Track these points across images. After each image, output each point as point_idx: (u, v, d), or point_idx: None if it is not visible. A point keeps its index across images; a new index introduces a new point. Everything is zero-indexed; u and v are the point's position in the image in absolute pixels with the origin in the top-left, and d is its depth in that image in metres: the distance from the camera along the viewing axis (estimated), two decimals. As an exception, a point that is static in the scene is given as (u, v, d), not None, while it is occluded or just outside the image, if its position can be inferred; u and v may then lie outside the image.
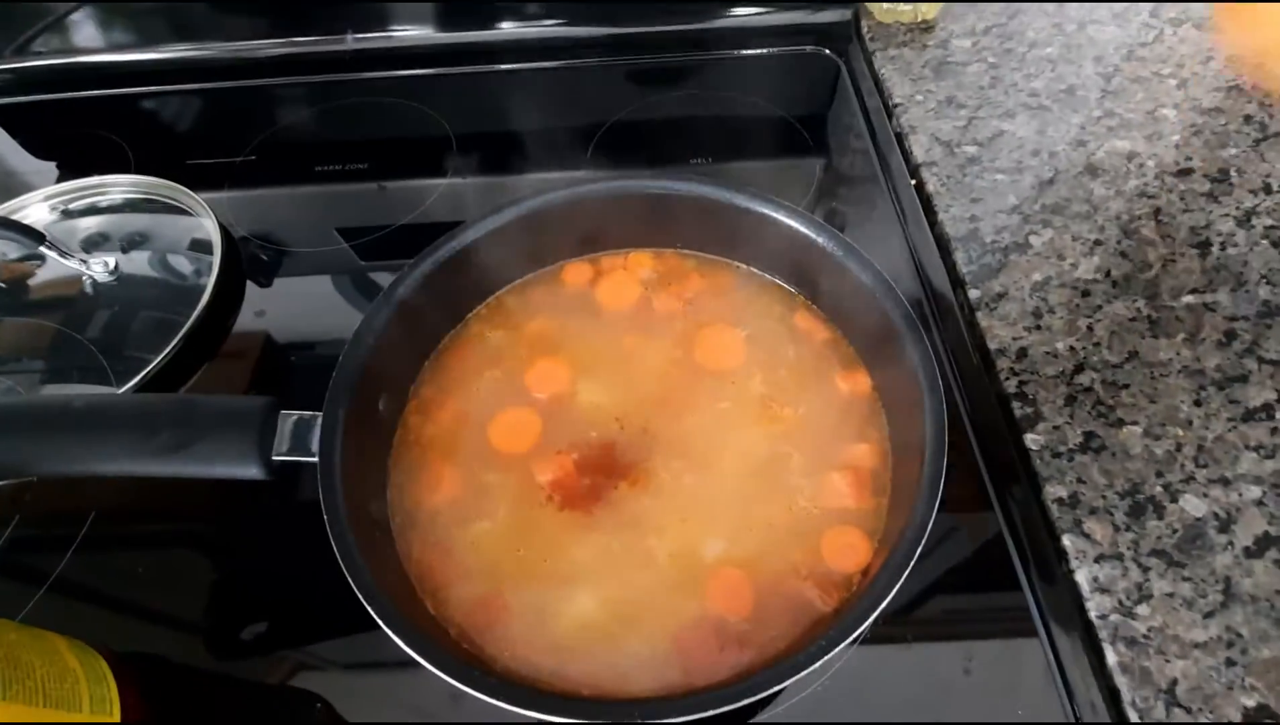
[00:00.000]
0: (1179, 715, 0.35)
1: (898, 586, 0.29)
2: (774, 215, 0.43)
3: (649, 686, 0.32)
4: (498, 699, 0.28)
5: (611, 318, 0.47)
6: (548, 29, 0.74)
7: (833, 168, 0.64)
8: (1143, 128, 0.59)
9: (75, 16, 0.73)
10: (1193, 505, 0.41)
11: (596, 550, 0.38)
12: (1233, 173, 0.55)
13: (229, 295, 0.57)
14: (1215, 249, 0.51)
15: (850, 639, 0.28)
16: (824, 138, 0.67)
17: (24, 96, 0.76)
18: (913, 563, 0.31)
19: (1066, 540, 0.40)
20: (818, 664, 0.28)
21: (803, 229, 0.43)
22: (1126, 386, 0.45)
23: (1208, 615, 0.37)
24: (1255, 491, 0.41)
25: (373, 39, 0.74)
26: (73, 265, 0.57)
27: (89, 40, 0.74)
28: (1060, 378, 0.46)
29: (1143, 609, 0.38)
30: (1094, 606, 0.38)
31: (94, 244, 0.61)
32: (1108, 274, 0.50)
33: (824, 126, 0.68)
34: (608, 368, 0.45)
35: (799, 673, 0.28)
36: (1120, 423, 0.44)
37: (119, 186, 0.64)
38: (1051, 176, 0.56)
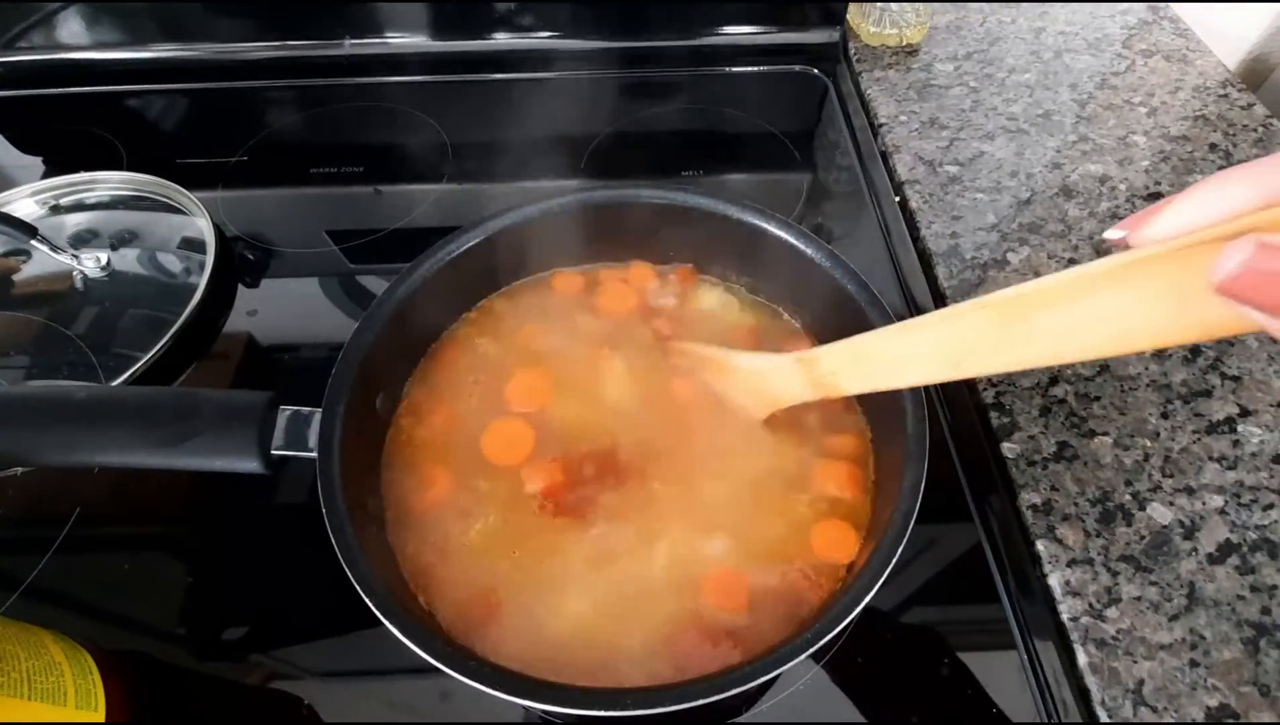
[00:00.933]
0: (1146, 714, 0.36)
1: (883, 577, 0.30)
2: (767, 227, 0.45)
3: (641, 684, 0.33)
4: (494, 688, 0.28)
5: (601, 326, 0.48)
6: (543, 40, 0.76)
7: (819, 183, 0.66)
8: (1115, 152, 0.62)
9: (69, 12, 0.73)
10: (1160, 513, 0.43)
11: (588, 551, 0.39)
12: (1199, 198, 0.58)
13: (221, 294, 0.57)
14: (1182, 270, 0.53)
15: (836, 630, 0.29)
16: (811, 154, 0.69)
17: (12, 91, 0.76)
18: (898, 553, 0.32)
19: (1040, 545, 0.42)
20: (803, 656, 0.29)
21: (794, 241, 0.44)
22: (1098, 399, 0.47)
23: (1173, 618, 0.39)
24: (1218, 500, 0.43)
25: (369, 44, 0.75)
26: (64, 260, 0.57)
27: (84, 37, 0.74)
28: (1035, 390, 0.48)
29: (1112, 612, 0.39)
30: (1066, 609, 0.40)
31: (82, 240, 0.61)
32: (1081, 291, 0.52)
33: (811, 143, 0.70)
34: (597, 375, 0.45)
35: (785, 664, 0.29)
36: (1092, 433, 0.46)
37: (109, 183, 0.64)
38: (1028, 197, 0.59)
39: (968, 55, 0.72)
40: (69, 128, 0.72)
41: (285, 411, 0.37)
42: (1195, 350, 0.49)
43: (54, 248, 0.56)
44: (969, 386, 0.49)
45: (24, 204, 0.63)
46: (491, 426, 0.43)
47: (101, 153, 0.69)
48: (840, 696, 0.39)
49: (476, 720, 0.39)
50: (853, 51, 0.73)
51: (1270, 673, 0.37)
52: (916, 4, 0.71)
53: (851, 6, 0.74)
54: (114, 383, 0.50)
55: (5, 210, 0.61)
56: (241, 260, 0.60)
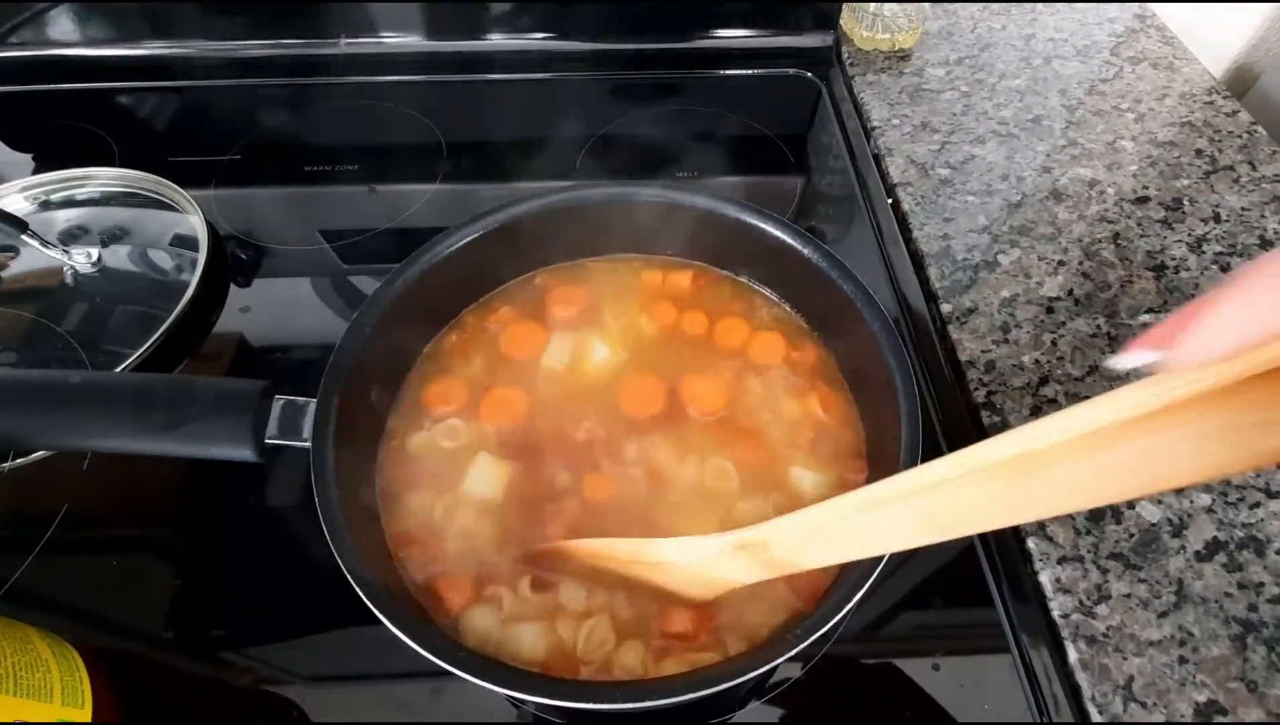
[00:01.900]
0: (1136, 710, 0.37)
1: (874, 576, 0.30)
2: (764, 227, 0.45)
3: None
4: (489, 681, 0.28)
5: (599, 323, 0.48)
6: (538, 42, 0.76)
7: (813, 185, 0.66)
8: (1103, 157, 0.63)
9: (62, 8, 0.72)
10: (1148, 511, 0.43)
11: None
12: (1185, 202, 0.59)
13: (213, 292, 0.57)
14: (1169, 272, 0.54)
15: (827, 627, 0.29)
16: (805, 156, 0.69)
17: (3, 87, 0.75)
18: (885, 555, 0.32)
19: (1031, 543, 0.42)
20: (797, 649, 0.29)
21: (792, 242, 0.44)
22: (1088, 398, 0.47)
23: (1162, 615, 0.39)
24: (1205, 499, 0.43)
25: (365, 43, 0.75)
26: (55, 256, 0.56)
27: (77, 33, 0.74)
28: (1026, 389, 0.48)
29: (1102, 609, 0.40)
30: (1056, 606, 0.40)
31: (73, 236, 0.60)
32: (1070, 292, 0.53)
33: (804, 145, 0.70)
34: (591, 373, 0.45)
35: (777, 659, 0.29)
36: (1082, 432, 0.46)
37: (101, 179, 0.63)
38: (1019, 200, 0.59)
39: (959, 60, 0.72)
40: (61, 124, 0.72)
41: (280, 400, 0.36)
42: (1183, 351, 0.50)
43: (44, 243, 0.56)
44: (960, 385, 0.50)
45: (13, 199, 0.62)
46: (486, 417, 0.43)
47: (93, 150, 0.68)
48: (828, 702, 0.39)
49: (469, 716, 0.39)
50: (846, 55, 0.74)
51: (1258, 669, 0.37)
52: (909, 9, 0.72)
53: (844, 11, 0.74)
54: (103, 379, 0.50)
55: (-5, 205, 0.60)
56: (234, 259, 0.60)
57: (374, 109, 0.73)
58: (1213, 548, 0.42)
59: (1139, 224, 0.57)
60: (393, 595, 0.31)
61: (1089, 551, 0.42)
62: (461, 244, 0.45)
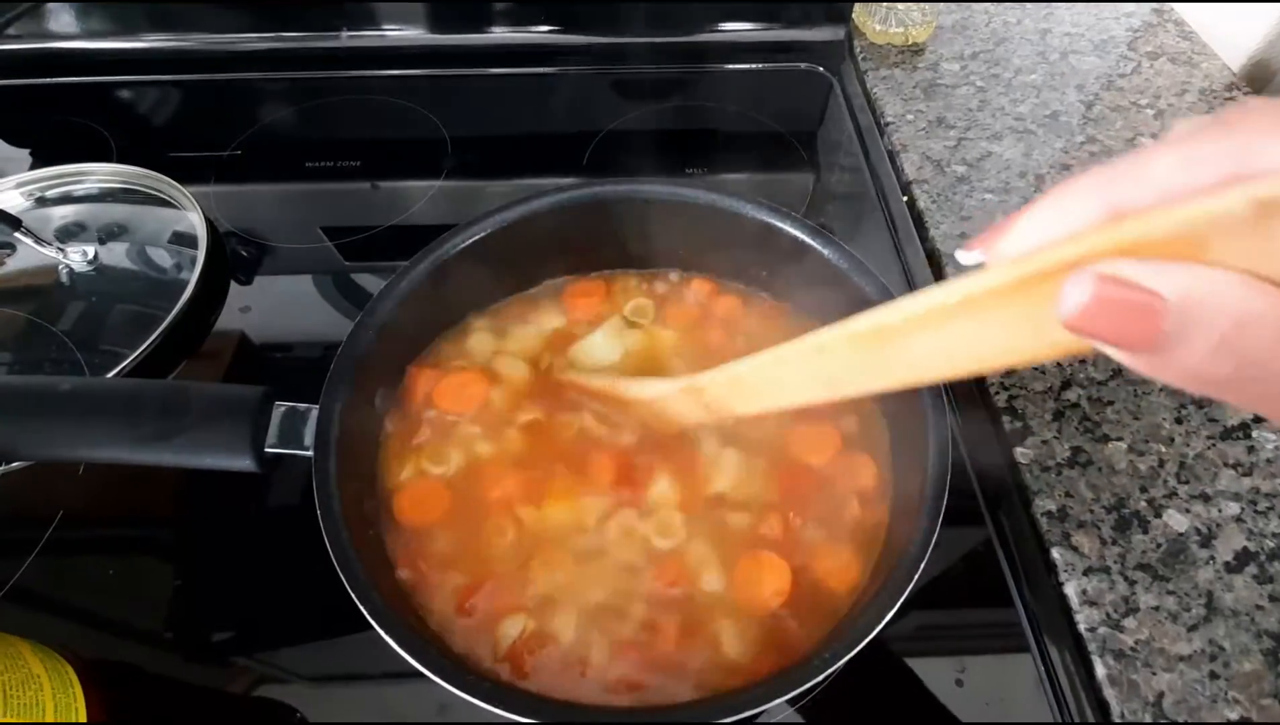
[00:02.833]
0: (1165, 727, 0.36)
1: (908, 591, 0.29)
2: (782, 226, 0.43)
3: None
4: (494, 705, 0.27)
5: (608, 333, 0.46)
6: (545, 35, 0.74)
7: (825, 182, 0.65)
8: (1122, 153, 0.61)
9: (59, 3, 0.71)
10: (1176, 520, 0.42)
11: (587, 568, 0.37)
12: (1208, 200, 0.57)
13: (212, 291, 0.56)
14: (1193, 273, 0.53)
15: (857, 649, 0.28)
16: (816, 153, 0.68)
17: (-1, 81, 0.74)
18: (918, 573, 0.31)
19: (1056, 553, 0.41)
20: (842, 662, 0.28)
21: (812, 242, 0.43)
22: (1111, 403, 0.46)
23: (1192, 629, 0.38)
24: (1234, 507, 0.42)
25: (367, 36, 0.73)
26: (50, 254, 0.55)
27: (74, 26, 0.73)
28: (1048, 394, 0.47)
29: (1130, 622, 0.38)
30: (1083, 619, 0.39)
31: (69, 233, 0.59)
32: (1092, 294, 0.52)
33: (816, 142, 0.69)
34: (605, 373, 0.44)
35: (789, 693, 0.28)
36: (1106, 438, 0.45)
37: (98, 175, 0.62)
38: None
39: (974, 55, 0.71)
40: (58, 119, 0.71)
41: (280, 407, 0.35)
42: (1208, 354, 0.48)
43: (39, 240, 0.54)
44: (981, 390, 0.48)
45: (9, 196, 0.61)
46: (490, 418, 0.42)
47: (90, 145, 0.67)
48: (851, 704, 0.38)
49: (474, 719, 0.37)
50: (858, 50, 0.72)
51: (1292, 685, 0.36)
52: (922, 3, 0.70)
53: (857, 5, 0.73)
54: (100, 381, 0.49)
55: (-11, 202, 0.59)
56: (234, 256, 0.59)
57: (376, 104, 0.71)
58: (1243, 558, 0.40)
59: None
60: (398, 612, 0.30)
61: (1115, 562, 0.40)
62: (468, 243, 0.43)
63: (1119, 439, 0.45)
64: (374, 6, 0.72)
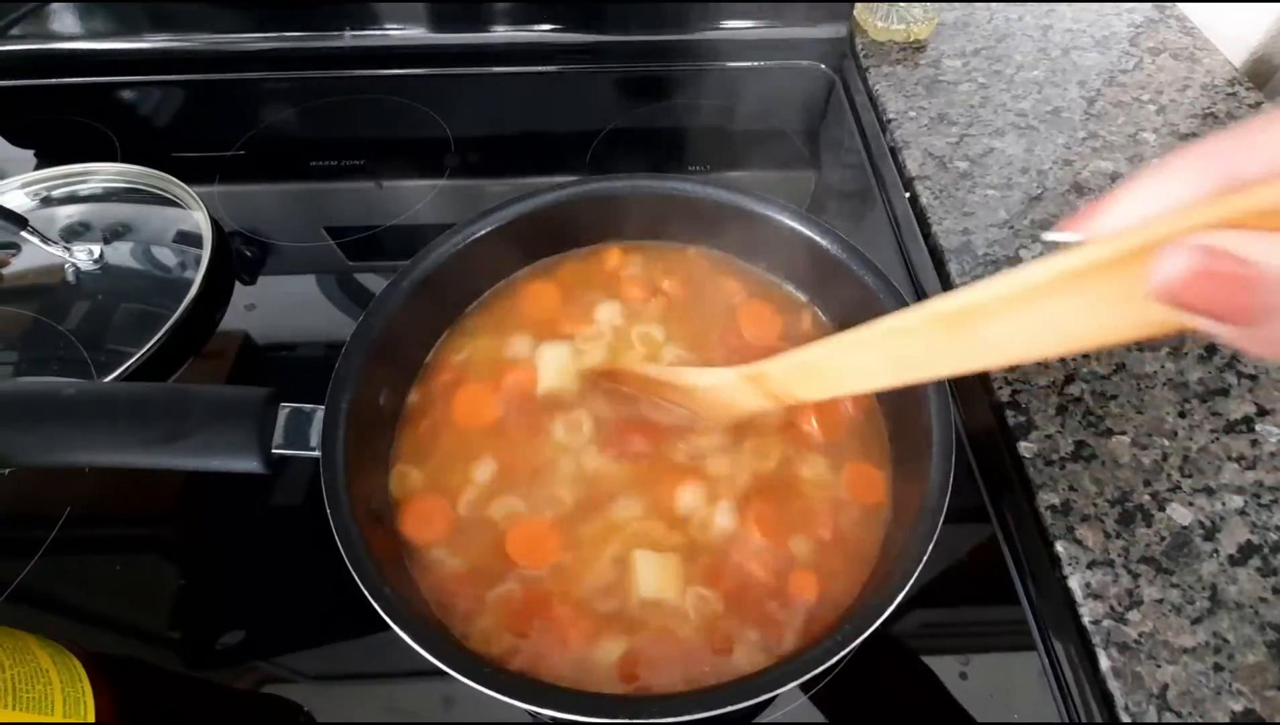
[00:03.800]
0: (1170, 720, 0.36)
1: (915, 574, 0.29)
2: (786, 221, 0.44)
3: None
4: (514, 698, 0.27)
5: (621, 317, 0.46)
6: (547, 34, 0.74)
7: (828, 179, 0.65)
8: (1125, 149, 0.61)
9: (63, 4, 0.71)
10: (1179, 514, 0.42)
11: (597, 560, 0.38)
12: (1211, 195, 0.57)
13: (217, 289, 0.56)
14: (1196, 267, 0.53)
15: (868, 632, 0.28)
16: (819, 150, 0.68)
17: (4, 81, 0.74)
18: (925, 557, 0.31)
19: (1059, 547, 0.41)
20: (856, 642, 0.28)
21: (817, 237, 0.43)
22: (1115, 397, 0.46)
23: (1196, 621, 0.38)
24: (1238, 501, 0.42)
25: (370, 36, 0.73)
26: (55, 252, 0.55)
27: (78, 27, 0.73)
28: (1052, 388, 0.47)
29: (1134, 615, 0.39)
30: (1087, 612, 0.39)
31: (74, 233, 0.59)
32: (1095, 289, 0.52)
33: (819, 139, 0.69)
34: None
35: (827, 660, 0.28)
36: (1109, 432, 0.45)
37: (103, 175, 0.62)
38: (1040, 193, 0.58)
39: (976, 51, 0.71)
40: (62, 119, 0.71)
41: (285, 408, 0.35)
42: (1211, 348, 0.48)
43: (45, 239, 0.55)
44: (984, 386, 0.48)
45: (14, 196, 0.61)
46: (496, 415, 0.42)
47: (95, 145, 0.67)
48: (858, 698, 0.38)
49: (481, 718, 0.38)
50: (860, 47, 0.72)
51: (1296, 677, 0.36)
52: (924, 1, 0.70)
53: (859, 3, 0.73)
54: (106, 379, 0.49)
55: (-5, 201, 0.59)
56: (239, 256, 0.59)
57: (380, 103, 0.71)
58: (1247, 551, 0.40)
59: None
60: (411, 607, 0.30)
61: (1119, 555, 0.40)
62: (469, 241, 0.44)
63: (1122, 433, 0.45)
64: (377, 6, 0.72)
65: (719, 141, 0.68)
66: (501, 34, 0.74)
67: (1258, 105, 0.64)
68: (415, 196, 0.63)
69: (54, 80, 0.74)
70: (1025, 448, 0.44)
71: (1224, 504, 0.42)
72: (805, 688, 0.38)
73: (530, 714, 0.38)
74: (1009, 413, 0.46)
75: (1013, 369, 0.48)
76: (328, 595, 0.41)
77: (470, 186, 0.65)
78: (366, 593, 0.30)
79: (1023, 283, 0.20)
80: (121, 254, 0.58)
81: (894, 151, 0.63)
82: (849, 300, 0.43)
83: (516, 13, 0.73)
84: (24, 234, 0.53)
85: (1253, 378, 0.47)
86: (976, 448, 0.47)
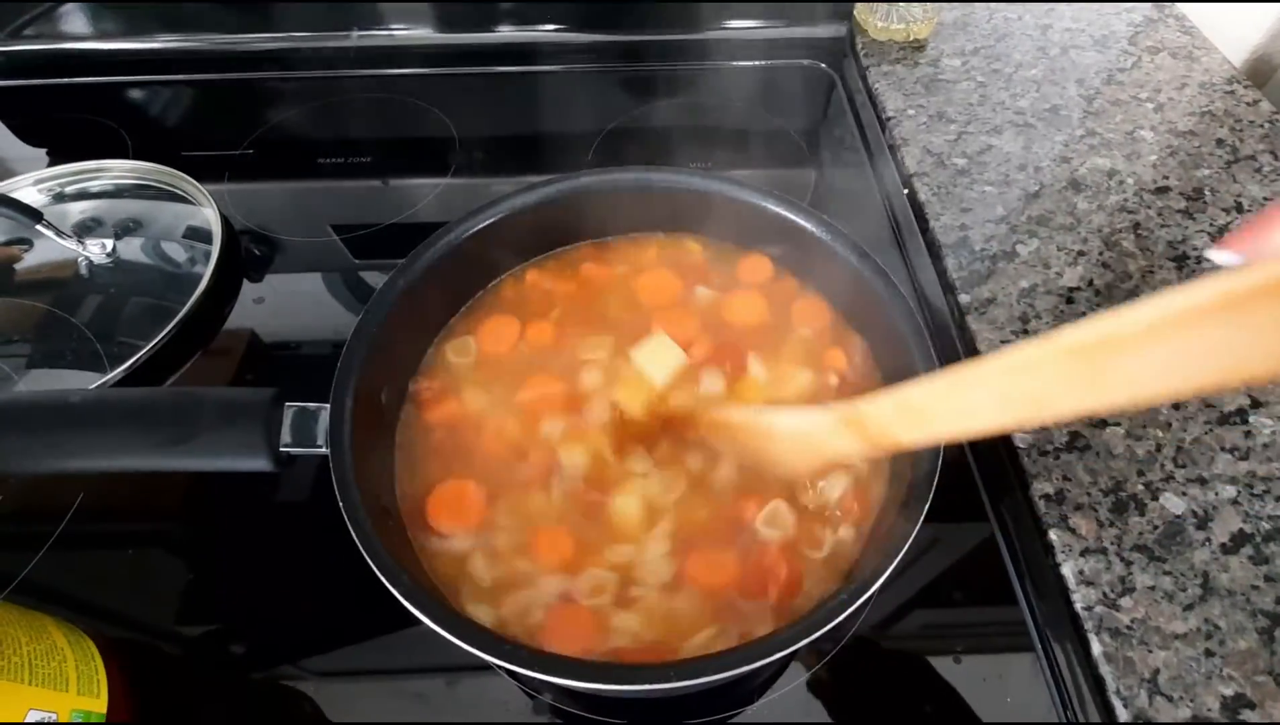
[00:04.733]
0: (1161, 704, 0.36)
1: (906, 545, 0.30)
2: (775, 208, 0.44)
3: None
4: (535, 670, 0.28)
5: (627, 313, 0.47)
6: (550, 34, 0.76)
7: (828, 176, 0.66)
8: (1122, 147, 0.62)
9: (76, 3, 0.72)
10: (1172, 503, 0.42)
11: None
12: (1206, 192, 0.58)
13: (226, 284, 0.57)
14: (1191, 262, 0.53)
15: (863, 598, 0.29)
16: (819, 147, 0.68)
17: (17, 81, 0.75)
18: (916, 528, 0.32)
19: (1053, 535, 0.41)
20: (829, 626, 0.29)
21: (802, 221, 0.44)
22: (1109, 389, 0.47)
23: (1187, 608, 0.39)
24: (1230, 491, 0.43)
25: (377, 36, 0.74)
26: (70, 246, 0.56)
27: (90, 28, 0.74)
28: (1046, 380, 0.47)
29: (1126, 601, 0.39)
30: (1079, 598, 0.39)
31: (86, 228, 0.60)
32: (1091, 283, 0.52)
33: (819, 137, 0.70)
34: (613, 367, 0.45)
35: (823, 627, 0.29)
36: (1103, 423, 0.45)
37: (114, 171, 0.64)
38: (1037, 190, 0.59)
39: (975, 51, 0.72)
40: (74, 117, 0.72)
41: (290, 408, 0.35)
42: (1206, 342, 0.49)
43: (59, 233, 0.56)
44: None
45: (26, 192, 0.62)
46: (500, 410, 0.43)
47: (107, 144, 0.68)
48: (847, 695, 0.39)
49: (482, 709, 0.39)
50: (860, 46, 0.73)
51: (1286, 662, 0.37)
52: (924, 0, 0.71)
53: (859, 3, 0.74)
54: (117, 370, 0.50)
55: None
56: (246, 254, 0.60)
57: (387, 102, 0.73)
58: (1239, 540, 0.41)
59: (1159, 214, 0.57)
60: (427, 594, 0.31)
61: (1112, 543, 0.41)
62: (462, 238, 0.44)
63: (1116, 424, 0.45)
64: (383, 7, 0.73)
65: (720, 139, 0.69)
66: (506, 34, 0.76)
67: (1255, 103, 0.65)
68: (420, 194, 0.64)
69: (66, 80, 0.75)
70: (1020, 438, 0.45)
71: (1217, 494, 0.43)
72: (810, 670, 0.39)
73: (524, 691, 0.39)
74: (1004, 404, 0.46)
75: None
76: (335, 590, 0.42)
77: (475, 185, 0.66)
78: (385, 580, 0.30)
79: (1174, 308, 0.18)
80: (133, 249, 0.59)
81: (893, 149, 0.64)
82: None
83: (520, 13, 0.74)
84: (39, 227, 0.54)
85: (1247, 371, 0.47)
86: (975, 446, 0.47)
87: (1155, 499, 0.42)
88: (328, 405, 0.36)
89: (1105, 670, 0.37)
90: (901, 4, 0.71)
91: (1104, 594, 0.39)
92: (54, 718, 0.32)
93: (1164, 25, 0.74)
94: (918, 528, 0.32)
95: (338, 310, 0.57)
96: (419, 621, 0.32)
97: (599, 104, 0.73)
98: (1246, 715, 0.36)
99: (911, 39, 0.72)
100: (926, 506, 0.32)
